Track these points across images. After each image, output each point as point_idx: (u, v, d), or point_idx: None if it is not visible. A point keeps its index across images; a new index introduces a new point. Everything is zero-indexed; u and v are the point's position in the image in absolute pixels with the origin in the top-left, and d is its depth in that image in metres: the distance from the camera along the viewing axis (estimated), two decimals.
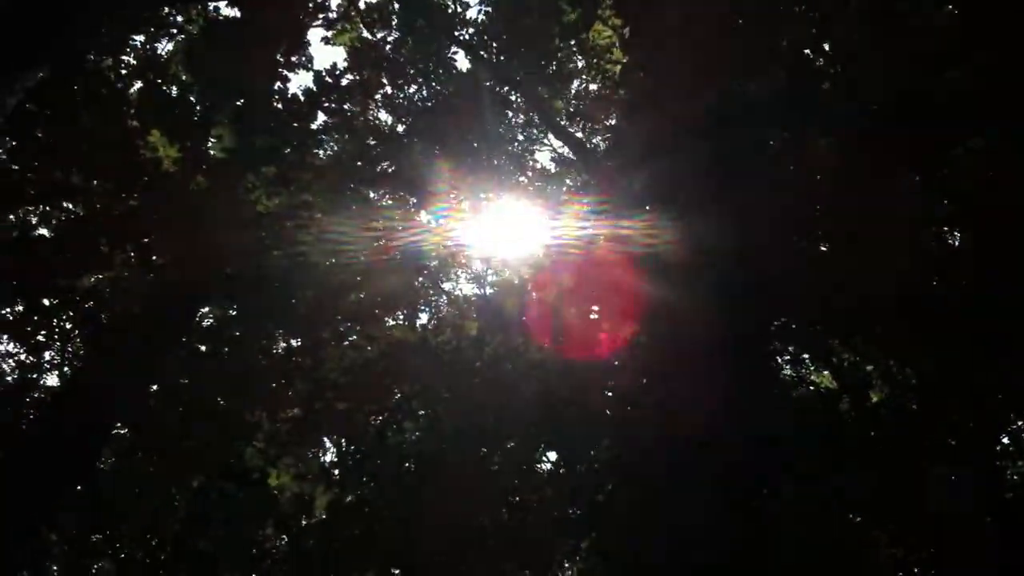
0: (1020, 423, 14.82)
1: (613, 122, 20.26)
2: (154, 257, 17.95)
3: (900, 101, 11.88)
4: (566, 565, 20.34)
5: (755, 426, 11.69)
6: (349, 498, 20.21)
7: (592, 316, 16.53)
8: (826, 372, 17.44)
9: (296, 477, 20.75)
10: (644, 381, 15.31)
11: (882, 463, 13.52)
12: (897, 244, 12.73)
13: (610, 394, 17.96)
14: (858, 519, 14.51)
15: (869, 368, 16.17)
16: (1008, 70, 10.71)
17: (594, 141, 20.79)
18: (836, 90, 13.51)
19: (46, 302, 18.49)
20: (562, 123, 20.27)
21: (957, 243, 14.38)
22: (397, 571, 19.42)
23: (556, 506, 18.43)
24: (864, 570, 14.18)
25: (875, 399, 15.44)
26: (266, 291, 18.41)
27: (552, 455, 20.32)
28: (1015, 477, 14.94)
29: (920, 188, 13.38)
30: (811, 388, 17.18)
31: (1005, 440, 14.76)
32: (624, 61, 17.64)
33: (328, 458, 22.47)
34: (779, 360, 16.27)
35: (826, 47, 14.32)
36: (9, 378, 19.98)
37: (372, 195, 20.28)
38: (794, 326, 15.80)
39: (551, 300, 17.23)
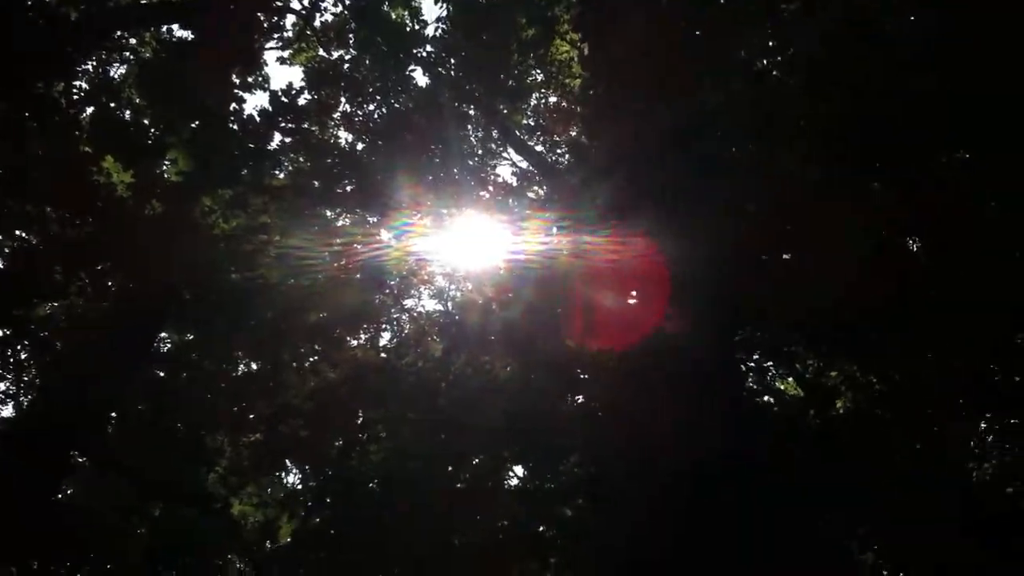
0: (984, 426, 14.96)
1: (574, 134, 20.31)
2: (109, 284, 17.71)
3: (863, 110, 11.95)
4: None
5: (719, 436, 11.71)
6: (316, 520, 20.01)
7: (556, 331, 16.50)
8: (790, 379, 17.51)
9: (258, 506, 20.53)
10: (609, 395, 15.31)
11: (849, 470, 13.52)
12: (859, 251, 12.79)
13: (576, 408, 17.96)
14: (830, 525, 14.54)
15: (833, 374, 16.23)
16: (979, 80, 10.79)
17: (556, 154, 20.84)
18: (796, 98, 13.57)
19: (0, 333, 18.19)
20: (522, 137, 20.29)
21: (918, 249, 14.47)
22: None
23: (525, 523, 18.32)
24: None
25: (840, 407, 15.47)
26: (225, 314, 18.21)
27: (519, 470, 20.27)
28: (986, 478, 15.05)
29: (882, 195, 13.47)
30: (775, 396, 17.26)
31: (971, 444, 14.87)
32: (583, 75, 17.66)
33: (292, 479, 22.29)
34: (744, 367, 16.30)
35: (780, 57, 14.39)
36: None
37: (331, 214, 20.15)
38: (758, 334, 15.85)
39: (515, 316, 17.17)
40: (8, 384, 19.39)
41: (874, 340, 14.14)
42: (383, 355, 21.26)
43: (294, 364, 19.80)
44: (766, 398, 17.05)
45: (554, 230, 16.38)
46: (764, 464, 12.66)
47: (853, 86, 12.00)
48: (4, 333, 18.32)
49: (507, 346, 17.71)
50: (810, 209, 12.96)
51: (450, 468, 18.58)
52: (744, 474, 11.99)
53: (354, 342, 21.71)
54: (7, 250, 17.91)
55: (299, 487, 21.74)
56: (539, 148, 20.69)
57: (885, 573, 15.63)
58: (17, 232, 17.28)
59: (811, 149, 12.94)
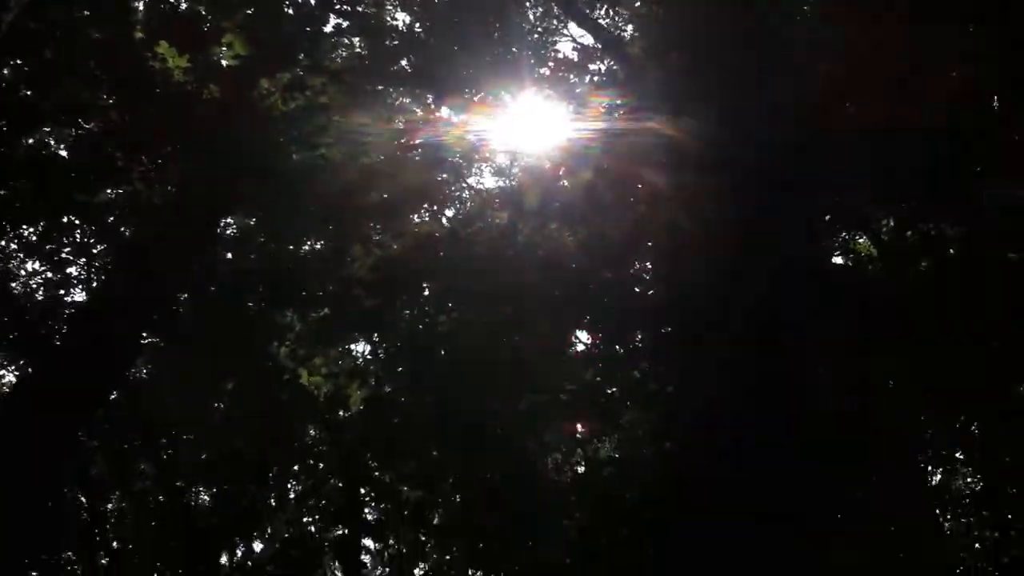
0: None
1: (638, 4, 19.89)
2: (171, 169, 17.84)
3: None
4: (604, 438, 20.73)
5: (792, 298, 11.82)
6: (387, 389, 20.51)
7: (619, 203, 16.58)
8: (862, 240, 17.45)
9: (328, 376, 20.96)
10: (675, 262, 15.39)
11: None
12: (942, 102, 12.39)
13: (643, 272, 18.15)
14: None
15: (908, 233, 15.89)
16: None
17: (619, 28, 20.45)
18: None
19: (65, 220, 18.42)
20: (584, 10, 19.91)
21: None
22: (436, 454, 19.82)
23: (593, 386, 18.70)
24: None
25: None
26: (288, 193, 18.33)
27: (585, 336, 20.56)
28: None
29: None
30: (850, 256, 17.21)
31: None
32: None
33: (361, 348, 22.68)
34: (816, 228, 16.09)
35: None
36: (38, 295, 20.01)
37: (390, 94, 20.04)
38: (834, 197, 15.57)
39: (578, 186, 17.22)
40: (78, 269, 19.72)
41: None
42: (447, 225, 21.43)
43: (358, 242, 19.91)
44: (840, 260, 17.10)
45: (616, 108, 16.30)
46: (842, 328, 12.84)
47: None
48: (69, 220, 18.52)
49: (571, 216, 17.80)
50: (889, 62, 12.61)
51: (516, 337, 18.85)
52: (820, 337, 12.21)
53: (416, 218, 21.85)
54: (69, 138, 18.03)
55: (368, 358, 22.12)
56: (602, 22, 20.28)
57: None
58: (78, 120, 17.34)
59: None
